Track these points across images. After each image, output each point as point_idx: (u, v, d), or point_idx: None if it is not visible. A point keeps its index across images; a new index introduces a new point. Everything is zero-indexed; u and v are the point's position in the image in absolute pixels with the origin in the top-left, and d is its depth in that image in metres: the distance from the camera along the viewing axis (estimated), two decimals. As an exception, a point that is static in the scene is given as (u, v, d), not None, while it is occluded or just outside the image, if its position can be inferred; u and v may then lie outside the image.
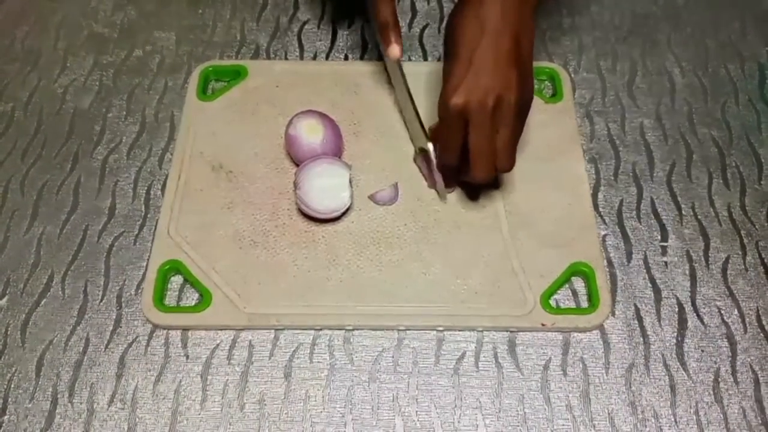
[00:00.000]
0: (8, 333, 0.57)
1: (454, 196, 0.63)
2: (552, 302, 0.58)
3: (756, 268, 0.60)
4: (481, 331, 0.57)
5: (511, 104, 0.52)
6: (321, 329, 0.57)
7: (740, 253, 0.61)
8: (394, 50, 0.60)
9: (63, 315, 0.58)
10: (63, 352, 0.57)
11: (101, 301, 0.59)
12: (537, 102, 0.67)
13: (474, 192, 0.63)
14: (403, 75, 0.63)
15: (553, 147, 0.65)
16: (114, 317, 0.58)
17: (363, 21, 0.76)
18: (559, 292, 0.59)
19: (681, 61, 0.73)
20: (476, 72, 0.51)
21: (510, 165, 0.55)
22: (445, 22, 0.77)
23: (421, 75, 0.70)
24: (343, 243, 0.60)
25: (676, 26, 0.76)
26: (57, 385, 0.55)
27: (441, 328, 0.56)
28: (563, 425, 0.53)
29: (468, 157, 0.54)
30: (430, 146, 0.60)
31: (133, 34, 0.77)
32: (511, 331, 0.57)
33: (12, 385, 0.55)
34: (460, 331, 0.57)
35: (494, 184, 0.63)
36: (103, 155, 0.67)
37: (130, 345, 0.57)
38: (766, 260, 0.60)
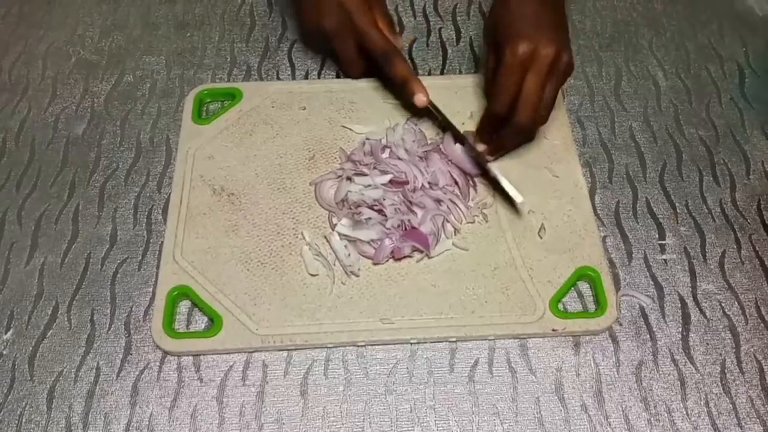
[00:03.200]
0: (16, 366, 0.57)
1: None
2: (560, 306, 0.59)
3: (752, 260, 0.62)
4: (493, 339, 0.58)
5: (563, 62, 0.59)
6: (334, 347, 0.57)
7: (735, 246, 0.63)
8: (420, 99, 0.64)
9: (71, 345, 0.58)
10: (74, 382, 0.56)
11: (109, 329, 0.59)
12: (531, 110, 0.70)
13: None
14: (439, 112, 0.66)
15: (549, 155, 0.67)
16: (123, 345, 0.58)
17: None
18: (565, 295, 0.60)
19: (664, 65, 0.76)
20: (542, 29, 0.58)
21: (546, 118, 0.62)
22: (432, 36, 0.78)
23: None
24: (351, 258, 0.61)
25: (657, 31, 0.79)
26: (70, 417, 0.54)
27: (453, 339, 0.57)
28: (580, 425, 0.54)
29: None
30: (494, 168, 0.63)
31: (122, 59, 0.76)
32: (521, 338, 0.58)
33: (23, 419, 0.54)
34: (472, 340, 0.58)
35: (528, 136, 0.66)
36: (100, 182, 0.67)
37: (142, 372, 0.57)
38: (760, 252, 0.62)
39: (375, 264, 0.60)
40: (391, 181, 0.62)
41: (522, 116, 0.59)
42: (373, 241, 0.60)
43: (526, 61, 0.58)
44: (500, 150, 0.66)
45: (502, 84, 0.59)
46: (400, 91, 0.68)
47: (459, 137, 0.65)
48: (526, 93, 0.58)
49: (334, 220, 0.62)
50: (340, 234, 0.61)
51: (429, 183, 0.63)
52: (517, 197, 0.61)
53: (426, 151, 0.65)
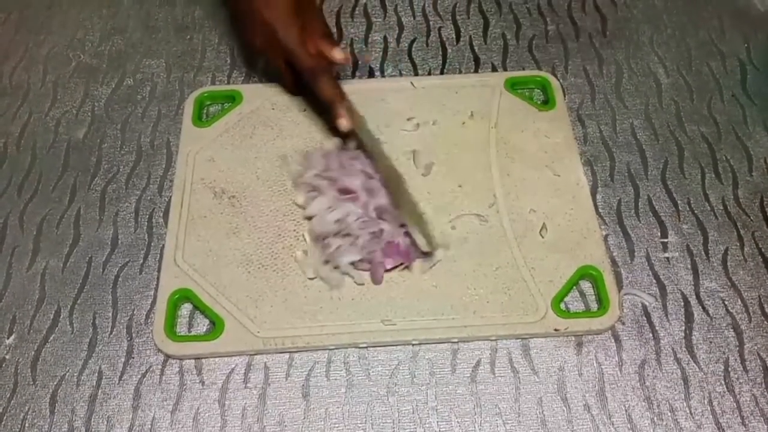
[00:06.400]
0: (18, 371, 0.57)
1: (463, 211, 0.63)
2: (562, 306, 0.58)
3: (755, 258, 0.62)
4: (495, 340, 0.57)
5: None
6: (336, 348, 0.57)
7: (738, 244, 0.62)
8: (342, 123, 0.63)
9: (73, 349, 0.58)
10: (76, 386, 0.56)
11: (111, 332, 0.59)
12: (531, 111, 0.69)
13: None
14: (369, 138, 0.64)
15: (551, 154, 0.66)
16: (125, 348, 0.58)
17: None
18: (567, 294, 0.60)
19: (665, 62, 0.75)
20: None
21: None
22: (431, 36, 0.78)
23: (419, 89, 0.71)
24: (352, 260, 0.61)
25: (657, 28, 0.78)
26: (73, 421, 0.54)
27: (455, 340, 0.57)
28: (582, 425, 0.54)
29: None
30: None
31: (122, 63, 0.77)
32: (523, 338, 0.57)
33: (26, 424, 0.54)
34: (474, 341, 0.57)
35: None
36: (101, 186, 0.67)
37: (144, 375, 0.57)
38: (763, 250, 0.62)
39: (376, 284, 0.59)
40: (343, 190, 0.62)
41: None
42: (355, 263, 0.59)
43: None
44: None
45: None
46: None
47: (387, 170, 0.63)
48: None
49: None
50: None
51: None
52: (424, 247, 0.59)
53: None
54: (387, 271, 0.59)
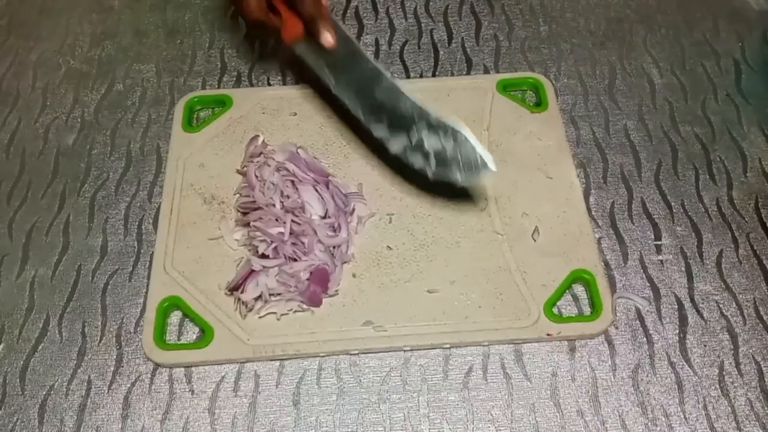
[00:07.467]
0: (7, 381, 0.56)
1: (450, 212, 0.63)
2: (555, 310, 0.58)
3: (749, 260, 0.61)
4: (487, 345, 0.57)
5: None
6: (326, 355, 0.57)
7: (732, 246, 0.62)
8: (327, 39, 0.56)
9: (62, 358, 0.57)
10: (65, 396, 0.56)
11: (100, 341, 0.58)
12: (523, 112, 0.69)
13: None
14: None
15: (543, 156, 0.66)
16: (115, 357, 0.57)
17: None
18: (560, 299, 0.59)
19: (658, 62, 0.75)
20: None
21: None
22: (423, 38, 0.78)
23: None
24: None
25: (651, 28, 0.78)
26: (62, 431, 0.54)
27: (447, 345, 0.56)
28: (576, 431, 0.53)
29: None
30: None
31: (112, 68, 0.76)
32: (516, 343, 0.57)
33: (15, 435, 0.54)
34: (466, 346, 0.57)
35: None
36: (90, 193, 0.67)
37: (133, 384, 0.56)
38: (758, 251, 0.61)
39: (315, 306, 0.58)
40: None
41: None
42: (280, 293, 0.58)
43: None
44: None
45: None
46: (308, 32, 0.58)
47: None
48: None
49: None
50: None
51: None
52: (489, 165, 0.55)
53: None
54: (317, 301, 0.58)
